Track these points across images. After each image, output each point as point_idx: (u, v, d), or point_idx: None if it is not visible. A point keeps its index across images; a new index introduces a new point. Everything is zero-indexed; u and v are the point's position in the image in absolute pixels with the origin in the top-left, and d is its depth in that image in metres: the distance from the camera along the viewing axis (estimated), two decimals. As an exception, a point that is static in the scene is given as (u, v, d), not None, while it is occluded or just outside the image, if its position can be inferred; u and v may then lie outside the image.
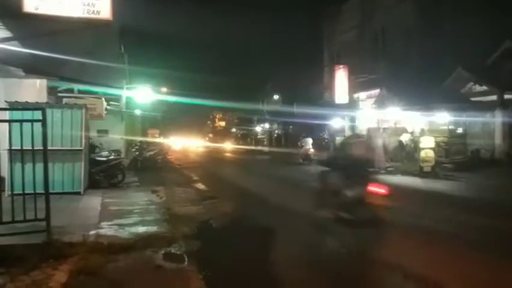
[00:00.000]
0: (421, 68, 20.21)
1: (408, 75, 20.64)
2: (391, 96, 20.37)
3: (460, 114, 17.65)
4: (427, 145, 15.15)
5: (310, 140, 23.39)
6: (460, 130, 18.38)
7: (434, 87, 19.18)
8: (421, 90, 18.47)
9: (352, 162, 6.81)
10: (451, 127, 18.20)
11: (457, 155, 16.95)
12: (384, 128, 19.63)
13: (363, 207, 6.35)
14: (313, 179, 15.44)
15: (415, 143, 17.32)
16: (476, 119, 17.70)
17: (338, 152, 7.89)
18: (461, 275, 4.86)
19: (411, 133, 19.14)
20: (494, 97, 17.78)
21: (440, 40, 20.19)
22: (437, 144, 15.95)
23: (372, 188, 6.36)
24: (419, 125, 18.53)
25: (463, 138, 17.83)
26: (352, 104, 27.03)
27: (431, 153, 15.02)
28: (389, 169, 16.67)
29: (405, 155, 18.34)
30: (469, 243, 6.25)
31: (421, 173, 14.75)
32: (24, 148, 5.59)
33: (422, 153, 15.04)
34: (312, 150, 22.65)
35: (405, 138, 18.90)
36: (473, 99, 18.65)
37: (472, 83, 19.15)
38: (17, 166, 6.44)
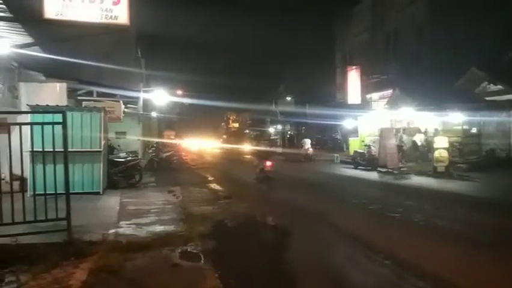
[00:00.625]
0: (434, 67, 20.05)
1: (421, 75, 20.51)
2: (404, 97, 20.25)
3: (474, 114, 17.42)
4: (441, 145, 15.02)
5: (308, 141, 25.62)
6: (474, 130, 18.15)
7: (448, 86, 19.01)
8: (434, 90, 18.32)
9: (260, 152, 14.33)
10: (465, 127, 17.98)
11: (471, 155, 16.76)
12: (403, 129, 19.49)
13: (263, 172, 12.10)
14: (321, 177, 15.68)
15: (429, 143, 17.19)
16: (491, 119, 17.45)
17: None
18: (475, 275, 4.89)
19: (425, 133, 18.99)
20: (510, 96, 17.53)
21: (453, 39, 20.00)
22: (451, 144, 15.80)
23: (266, 163, 12.24)
24: (433, 125, 18.37)
25: (477, 138, 17.61)
26: (365, 105, 26.93)
27: (445, 153, 14.89)
28: (402, 169, 16.59)
29: (419, 155, 18.22)
30: (479, 242, 6.25)
31: (435, 173, 14.62)
32: (45, 150, 5.76)
33: (436, 153, 14.91)
34: (310, 149, 24.85)
35: (418, 138, 18.77)
36: (487, 98, 18.41)
37: (486, 82, 18.90)
38: (39, 167, 6.56)
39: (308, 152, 24.56)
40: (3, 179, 5.98)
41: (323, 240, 6.71)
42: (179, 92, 29.45)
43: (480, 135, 17.71)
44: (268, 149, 15.15)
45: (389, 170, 16.59)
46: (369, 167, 17.81)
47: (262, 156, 13.18)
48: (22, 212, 5.52)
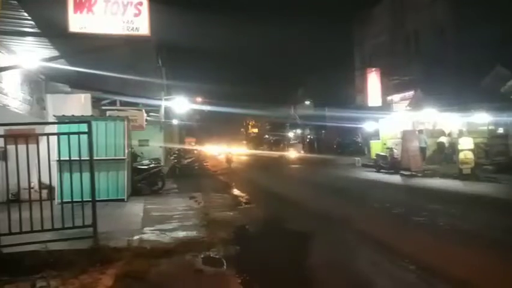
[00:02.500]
0: (457, 67, 19.65)
1: (444, 75, 20.13)
2: (426, 98, 19.93)
3: (500, 114, 16.95)
4: (466, 146, 14.64)
5: (300, 145, 32.67)
6: (501, 130, 17.65)
7: (472, 86, 18.60)
8: (458, 90, 17.97)
9: (228, 153, 29.38)
10: (491, 127, 17.53)
11: (498, 156, 16.28)
12: (420, 130, 19.16)
13: (227, 159, 26.42)
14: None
15: (453, 144, 16.83)
16: (518, 119, 16.97)
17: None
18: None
19: (449, 134, 18.60)
20: (538, 95, 17.03)
21: (477, 38, 19.52)
22: (477, 145, 15.41)
23: (228, 156, 26.47)
24: (457, 126, 17.97)
25: (505, 139, 17.12)
26: (385, 107, 26.61)
27: (470, 155, 14.50)
28: (426, 172, 16.27)
29: (443, 158, 17.83)
30: (508, 247, 6.09)
31: (460, 176, 14.26)
32: (72, 159, 5.93)
33: (461, 155, 14.54)
34: (302, 152, 30.69)
35: (445, 140, 18.40)
36: (514, 98, 17.91)
37: (512, 81, 18.39)
38: (66, 176, 6.76)
39: (300, 154, 31.35)
40: (32, 188, 6.17)
41: (346, 245, 6.65)
42: (199, 99, 29.88)
43: (507, 136, 17.21)
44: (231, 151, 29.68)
45: (413, 173, 16.30)
46: (392, 170, 17.54)
47: (227, 154, 27.26)
48: (51, 220, 5.67)
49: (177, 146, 25.52)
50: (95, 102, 13.71)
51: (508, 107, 17.02)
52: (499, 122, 17.49)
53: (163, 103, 19.99)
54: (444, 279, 4.79)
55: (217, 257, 5.78)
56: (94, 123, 7.70)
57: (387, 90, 27.11)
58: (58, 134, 6.64)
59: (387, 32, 28.87)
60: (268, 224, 8.25)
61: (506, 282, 4.74)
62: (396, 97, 26.95)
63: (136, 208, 9.30)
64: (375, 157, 19.80)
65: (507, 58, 17.85)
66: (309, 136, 44.50)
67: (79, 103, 11.07)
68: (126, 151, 10.37)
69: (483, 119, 17.33)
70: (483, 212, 8.87)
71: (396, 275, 5.12)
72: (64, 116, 9.45)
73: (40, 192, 5.94)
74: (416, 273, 5.03)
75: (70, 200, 6.19)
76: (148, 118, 17.89)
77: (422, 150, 17.47)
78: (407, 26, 26.88)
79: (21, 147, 5.59)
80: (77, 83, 11.78)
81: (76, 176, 5.92)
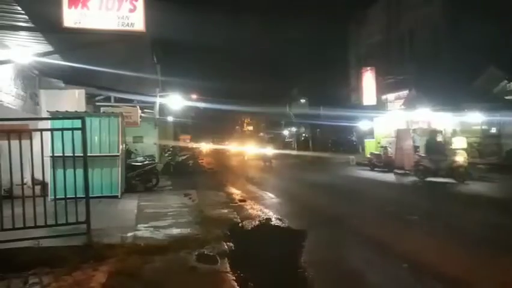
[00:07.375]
0: (451, 67, 19.75)
1: (438, 75, 20.23)
2: (420, 97, 20.04)
3: (493, 114, 17.12)
4: (459, 146, 14.78)
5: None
6: (493, 130, 17.81)
7: (465, 86, 18.73)
8: (452, 90, 18.08)
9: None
10: (484, 127, 17.69)
11: (490, 156, 16.46)
12: (414, 129, 19.27)
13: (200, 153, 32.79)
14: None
15: (446, 143, 16.92)
16: (510, 119, 17.10)
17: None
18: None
19: (442, 133, 18.70)
20: (530, 95, 17.20)
21: (471, 38, 19.65)
22: (470, 144, 15.55)
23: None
24: (450, 126, 18.09)
25: (497, 139, 17.30)
26: (380, 106, 26.72)
27: (463, 154, 14.63)
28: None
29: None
30: (499, 245, 6.14)
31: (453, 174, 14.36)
32: (65, 155, 5.92)
33: (454, 154, 14.65)
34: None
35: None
36: (507, 97, 18.07)
37: (505, 81, 18.56)
38: (59, 172, 6.71)
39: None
40: (25, 184, 6.12)
41: (339, 242, 6.69)
42: (194, 96, 29.74)
43: (500, 136, 17.37)
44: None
45: (406, 171, 16.40)
46: (386, 168, 17.64)
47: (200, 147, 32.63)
48: (44, 216, 5.64)
49: (172, 143, 25.43)
50: (89, 98, 13.63)
51: (501, 107, 17.20)
52: (491, 121, 17.65)
53: (158, 100, 19.89)
54: (436, 276, 4.83)
55: (211, 254, 5.76)
56: (87, 119, 7.68)
57: (382, 89, 27.21)
58: (52, 130, 6.59)
59: (382, 31, 28.96)
60: (262, 221, 8.25)
61: (497, 280, 4.79)
62: (390, 96, 27.08)
63: (130, 205, 9.26)
64: (369, 155, 19.89)
65: (500, 59, 17.99)
66: (304, 134, 44.55)
67: (73, 99, 11.00)
68: (120, 148, 10.32)
69: (476, 118, 17.49)
70: (475, 211, 8.96)
71: (388, 272, 5.16)
72: (57, 111, 9.36)
73: (33, 189, 5.88)
74: (409, 271, 5.07)
75: (63, 197, 6.15)
76: (142, 115, 17.82)
77: (415, 149, 17.59)
78: (402, 25, 26.98)
79: (14, 143, 5.56)
80: (71, 79, 11.70)
81: (70, 172, 5.89)
